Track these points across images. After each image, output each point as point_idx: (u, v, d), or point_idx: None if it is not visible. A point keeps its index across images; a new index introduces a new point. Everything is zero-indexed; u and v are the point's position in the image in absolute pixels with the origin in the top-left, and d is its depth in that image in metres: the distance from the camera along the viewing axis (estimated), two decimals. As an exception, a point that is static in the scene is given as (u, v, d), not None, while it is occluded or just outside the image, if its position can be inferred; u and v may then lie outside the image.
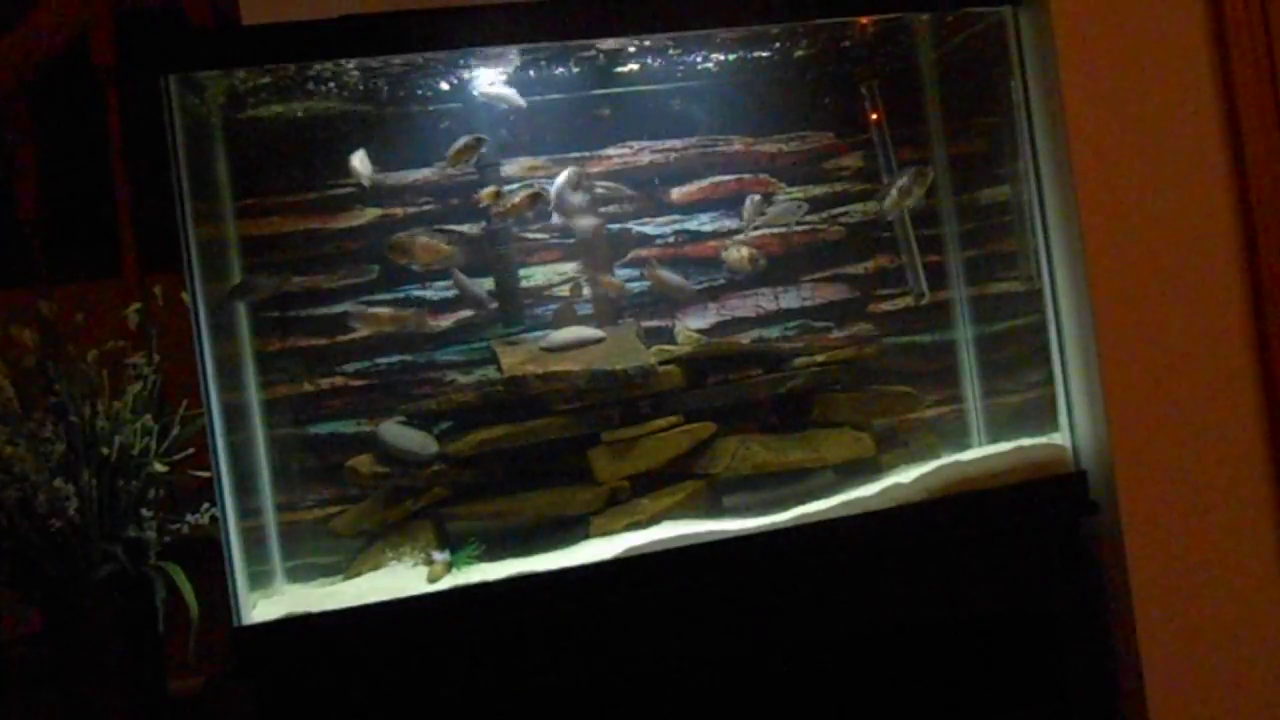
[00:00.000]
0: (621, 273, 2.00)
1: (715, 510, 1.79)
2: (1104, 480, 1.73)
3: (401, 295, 1.91)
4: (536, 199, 1.83)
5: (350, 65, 1.69)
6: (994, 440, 1.96)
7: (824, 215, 2.05)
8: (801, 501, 1.73)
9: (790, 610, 1.67)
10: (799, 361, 1.91)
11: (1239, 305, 1.75)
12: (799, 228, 2.03)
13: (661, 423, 1.81)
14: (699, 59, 1.91)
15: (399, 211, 1.91)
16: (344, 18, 1.58)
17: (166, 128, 1.54)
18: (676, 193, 2.02)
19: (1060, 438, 1.80)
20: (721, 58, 1.92)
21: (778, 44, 1.90)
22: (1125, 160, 1.72)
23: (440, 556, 1.68)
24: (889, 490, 1.73)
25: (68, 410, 1.85)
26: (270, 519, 1.78)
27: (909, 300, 2.05)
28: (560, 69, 1.86)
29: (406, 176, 1.92)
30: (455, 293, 1.91)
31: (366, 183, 1.80)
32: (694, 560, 1.62)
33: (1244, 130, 1.73)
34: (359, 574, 1.71)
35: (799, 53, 1.94)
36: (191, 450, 1.94)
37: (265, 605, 1.61)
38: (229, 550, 1.55)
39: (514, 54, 1.75)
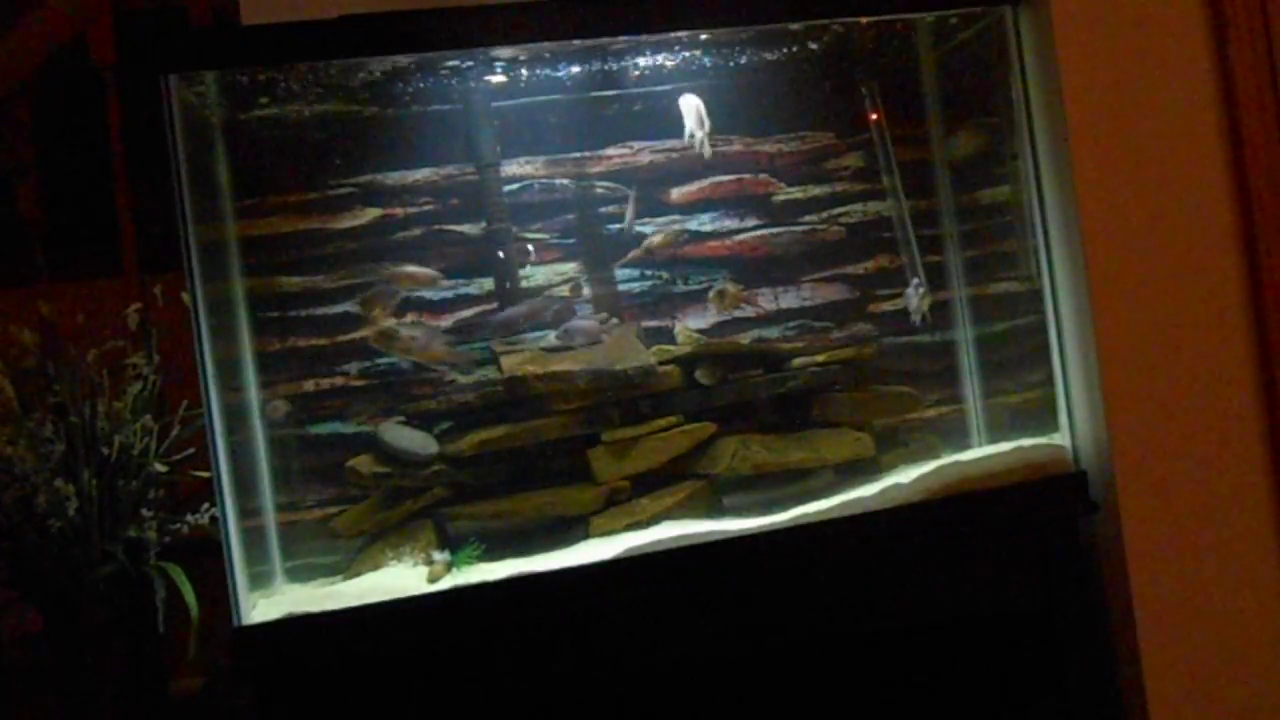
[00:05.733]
0: (621, 273, 2.00)
1: (715, 510, 1.79)
2: (1104, 480, 1.73)
3: (402, 296, 1.91)
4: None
5: (350, 65, 1.69)
6: (994, 440, 1.96)
7: (824, 215, 2.04)
8: (801, 501, 1.73)
9: (790, 610, 1.67)
10: (799, 361, 1.91)
11: (1239, 305, 1.75)
12: (799, 228, 2.04)
13: (661, 423, 1.81)
14: (700, 59, 1.91)
15: (399, 211, 1.91)
16: (344, 18, 1.58)
17: (166, 128, 1.54)
18: (676, 193, 2.02)
19: (1060, 438, 1.80)
20: (722, 57, 1.92)
21: (778, 43, 1.90)
22: (1125, 160, 1.72)
23: (440, 556, 1.68)
24: (889, 490, 1.73)
25: (68, 410, 1.85)
26: (270, 519, 1.78)
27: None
28: (560, 68, 1.86)
29: (407, 177, 1.92)
30: (455, 294, 1.91)
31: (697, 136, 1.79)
32: (694, 560, 1.62)
33: (1244, 130, 1.73)
34: (359, 574, 1.71)
35: (799, 52, 1.94)
36: (192, 450, 1.94)
37: (265, 605, 1.61)
38: (229, 550, 1.55)
39: (513, 53, 1.75)
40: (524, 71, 1.83)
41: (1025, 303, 1.86)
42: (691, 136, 1.83)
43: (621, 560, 1.61)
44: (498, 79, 1.84)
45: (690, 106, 1.84)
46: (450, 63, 1.75)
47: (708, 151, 1.85)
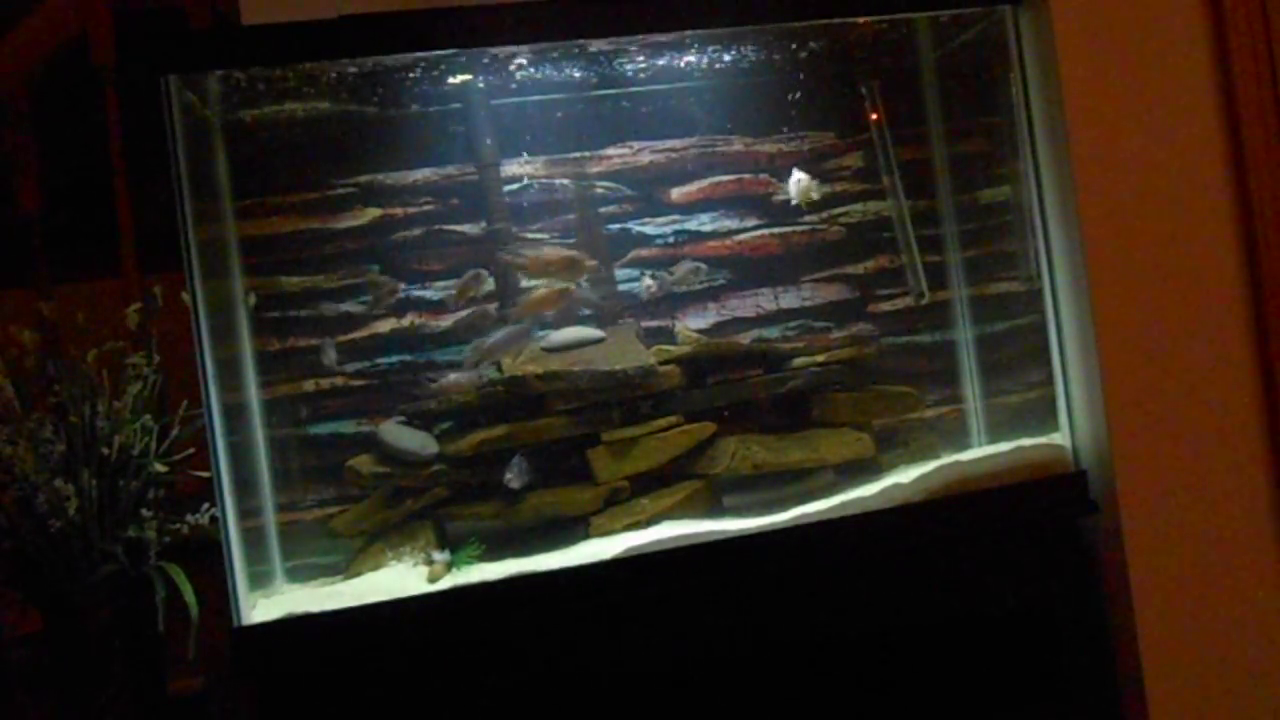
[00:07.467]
0: (621, 273, 2.00)
1: (715, 510, 1.79)
2: (1104, 480, 1.73)
3: (402, 295, 1.91)
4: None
5: (350, 65, 1.69)
6: (994, 440, 1.96)
7: (824, 215, 2.04)
8: (801, 501, 1.73)
9: (790, 610, 1.67)
10: (799, 361, 1.91)
11: (1239, 305, 1.75)
12: (799, 228, 2.04)
13: (661, 423, 1.81)
14: (699, 59, 1.91)
15: (399, 211, 1.91)
16: (344, 18, 1.58)
17: (166, 128, 1.54)
18: (676, 193, 2.02)
19: (1060, 438, 1.80)
20: (722, 58, 1.92)
21: (778, 43, 1.90)
22: (1125, 160, 1.72)
23: (440, 556, 1.68)
24: (889, 490, 1.73)
25: (68, 410, 1.85)
26: (270, 519, 1.78)
27: (909, 300, 2.05)
28: (560, 69, 1.86)
29: (406, 177, 1.92)
30: (453, 293, 1.91)
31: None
32: (694, 560, 1.62)
33: (1244, 130, 1.73)
34: (359, 574, 1.71)
35: (800, 52, 1.94)
36: (191, 450, 1.94)
37: (265, 605, 1.61)
38: (229, 550, 1.55)
39: (513, 53, 1.75)
40: (524, 71, 1.83)
41: (1025, 303, 1.86)
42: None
43: (621, 560, 1.61)
44: (498, 78, 1.84)
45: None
46: (450, 62, 1.75)
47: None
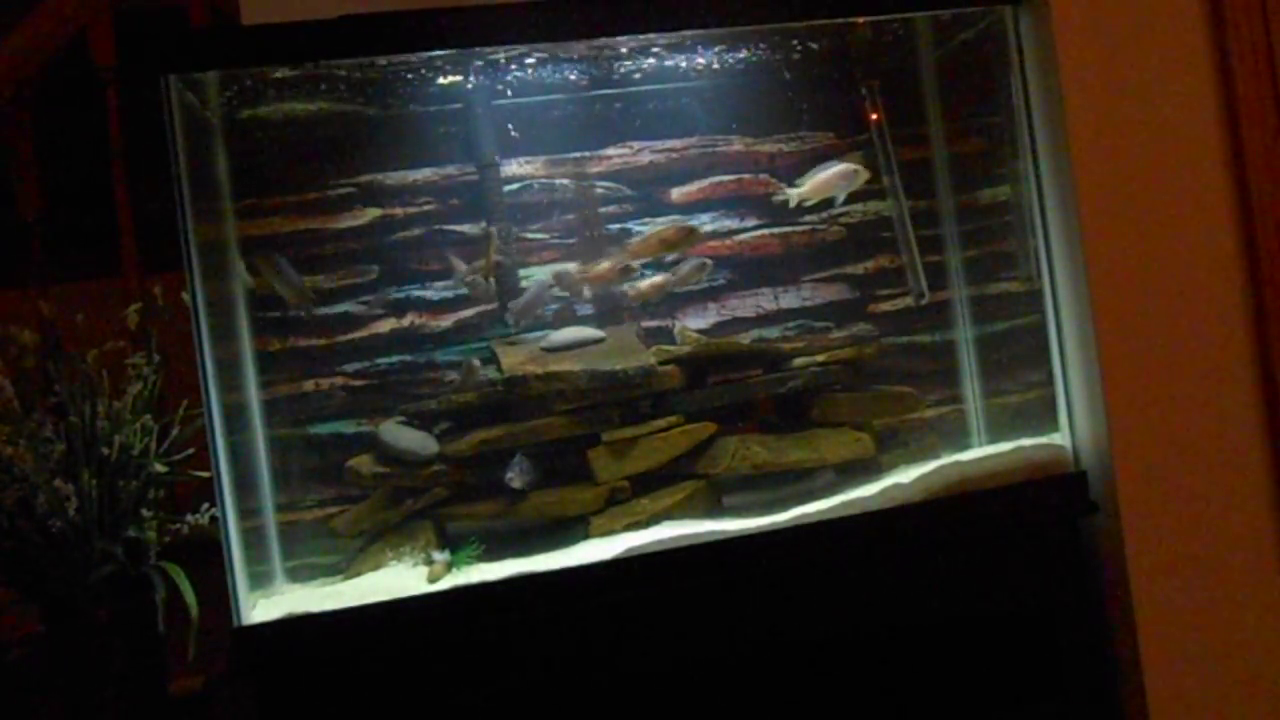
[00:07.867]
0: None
1: (715, 510, 1.79)
2: (1104, 480, 1.73)
3: (402, 295, 1.91)
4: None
5: (350, 64, 1.69)
6: (994, 440, 1.96)
7: (824, 215, 2.04)
8: (801, 501, 1.73)
9: (790, 610, 1.67)
10: (799, 361, 1.91)
11: (1239, 305, 1.75)
12: (799, 228, 2.04)
13: (661, 423, 1.81)
14: (699, 59, 1.91)
15: (399, 211, 1.91)
16: (344, 18, 1.58)
17: (166, 128, 1.54)
18: (676, 193, 2.02)
19: (1060, 438, 1.80)
20: (722, 58, 1.92)
21: (779, 43, 1.90)
22: (1125, 160, 1.72)
23: (440, 556, 1.68)
24: (889, 490, 1.73)
25: (68, 410, 1.85)
26: (270, 519, 1.78)
27: (909, 300, 2.05)
28: (561, 68, 1.86)
29: (407, 176, 1.92)
30: (455, 293, 1.91)
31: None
32: (694, 560, 1.62)
33: (1244, 129, 1.73)
34: (359, 574, 1.71)
35: (800, 52, 1.94)
36: (191, 450, 1.94)
37: (265, 605, 1.61)
38: (229, 550, 1.55)
39: (514, 53, 1.75)
40: (524, 71, 1.83)
41: (1025, 303, 1.86)
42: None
43: (621, 560, 1.61)
44: (498, 78, 1.84)
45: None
46: (450, 61, 1.75)
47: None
